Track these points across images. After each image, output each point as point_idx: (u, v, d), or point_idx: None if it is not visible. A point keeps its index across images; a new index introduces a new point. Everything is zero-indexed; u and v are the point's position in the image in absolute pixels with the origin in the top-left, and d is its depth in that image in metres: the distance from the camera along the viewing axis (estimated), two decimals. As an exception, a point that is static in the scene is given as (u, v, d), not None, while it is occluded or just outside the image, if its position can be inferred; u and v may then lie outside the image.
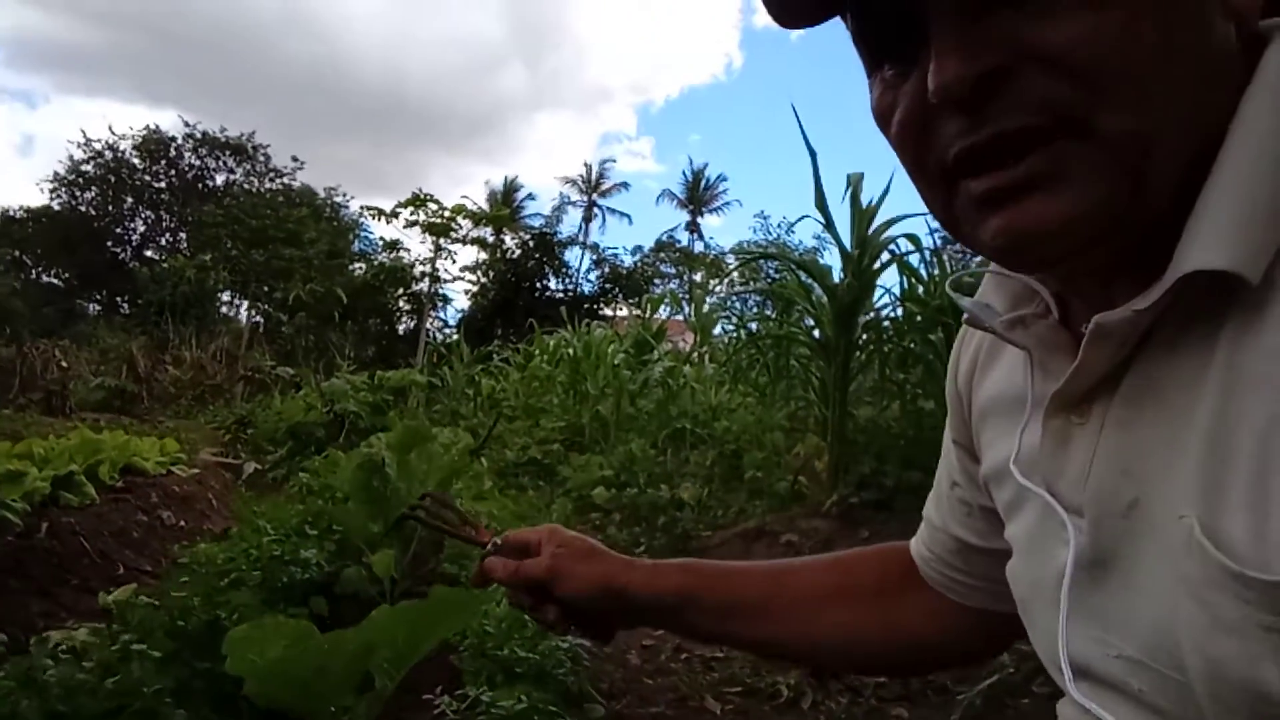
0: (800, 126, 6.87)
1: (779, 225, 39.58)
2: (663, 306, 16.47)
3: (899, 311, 7.67)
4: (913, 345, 7.51)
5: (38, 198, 35.45)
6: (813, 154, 6.83)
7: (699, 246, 47.26)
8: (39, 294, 33.23)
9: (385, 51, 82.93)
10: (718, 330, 15.00)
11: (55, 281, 35.99)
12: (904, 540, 0.93)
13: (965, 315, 0.65)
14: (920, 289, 7.42)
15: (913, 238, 7.68)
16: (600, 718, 2.73)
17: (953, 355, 0.78)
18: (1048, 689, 2.91)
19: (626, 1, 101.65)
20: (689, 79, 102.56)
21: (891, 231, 7.12)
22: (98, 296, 36.37)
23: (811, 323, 8.73)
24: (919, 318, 7.37)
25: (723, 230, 66.84)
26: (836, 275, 7.25)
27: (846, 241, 6.92)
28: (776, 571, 0.95)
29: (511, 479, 9.65)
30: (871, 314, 7.11)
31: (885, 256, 7.18)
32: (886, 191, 7.03)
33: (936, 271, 7.10)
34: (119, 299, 35.16)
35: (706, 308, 15.18)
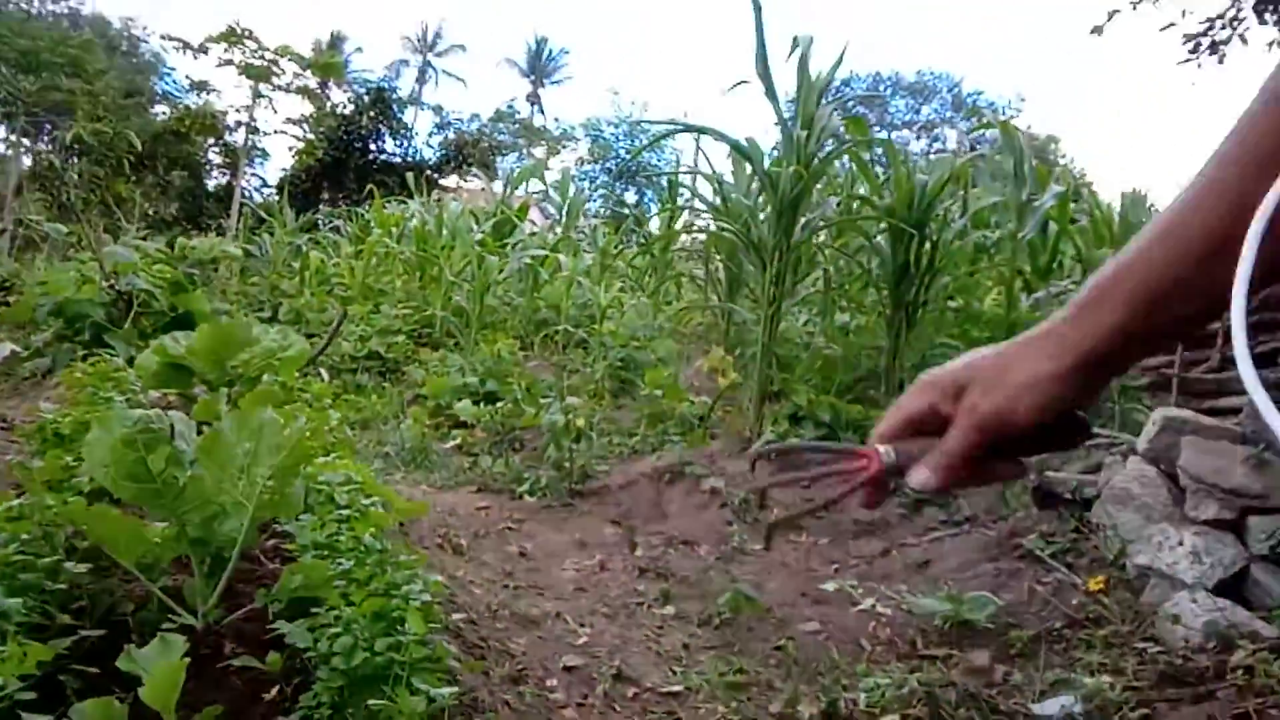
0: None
1: (632, 104, 37.73)
2: (526, 182, 14.75)
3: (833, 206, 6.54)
4: (851, 251, 6.44)
5: None
6: (756, 3, 5.47)
7: (540, 121, 44.81)
8: None
9: None
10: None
11: None
12: None
13: None
14: (862, 186, 6.31)
15: (857, 121, 6.53)
16: None
17: None
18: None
19: None
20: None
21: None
22: None
23: (705, 209, 7.54)
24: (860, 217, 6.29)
25: (563, 107, 63.87)
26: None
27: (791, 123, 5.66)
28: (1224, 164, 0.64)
29: (348, 376, 8.08)
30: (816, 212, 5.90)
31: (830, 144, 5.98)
32: (839, 63, 5.80)
33: (890, 171, 5.93)
34: None
35: (571, 190, 13.65)
